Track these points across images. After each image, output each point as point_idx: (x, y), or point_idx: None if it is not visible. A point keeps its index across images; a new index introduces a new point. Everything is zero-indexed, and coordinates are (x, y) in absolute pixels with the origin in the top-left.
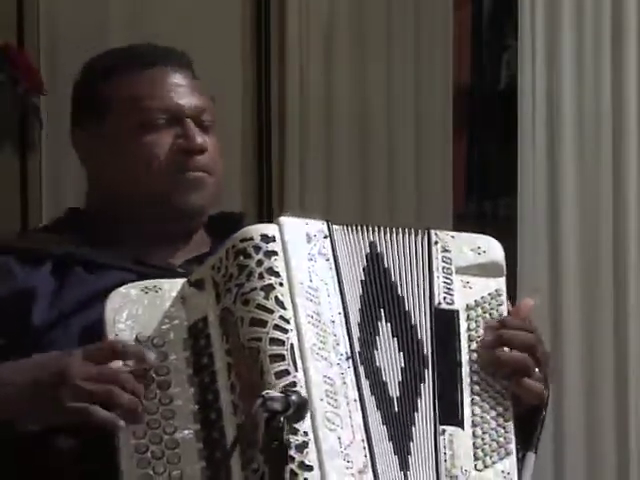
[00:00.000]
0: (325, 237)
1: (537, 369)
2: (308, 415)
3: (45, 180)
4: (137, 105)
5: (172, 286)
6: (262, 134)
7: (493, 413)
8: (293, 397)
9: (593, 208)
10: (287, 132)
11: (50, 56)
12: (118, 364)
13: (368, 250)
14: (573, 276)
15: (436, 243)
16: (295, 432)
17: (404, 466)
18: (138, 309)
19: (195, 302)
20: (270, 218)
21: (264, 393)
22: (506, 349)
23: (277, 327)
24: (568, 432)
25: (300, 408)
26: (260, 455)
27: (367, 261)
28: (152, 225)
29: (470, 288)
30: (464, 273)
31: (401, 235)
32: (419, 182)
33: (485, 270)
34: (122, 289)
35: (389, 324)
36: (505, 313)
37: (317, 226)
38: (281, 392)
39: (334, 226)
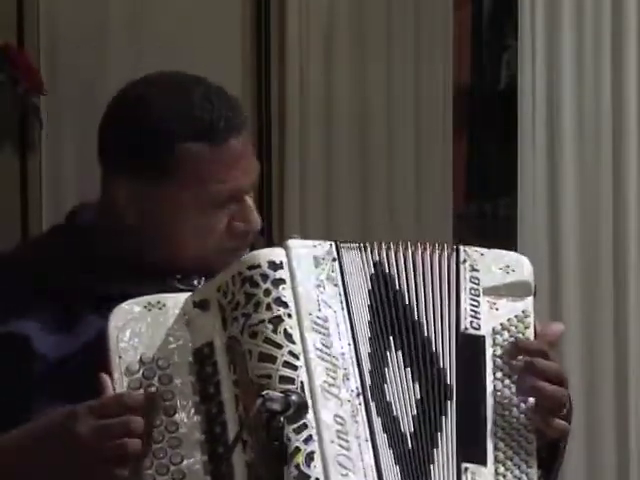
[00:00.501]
0: (334, 260)
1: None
2: (319, 460)
3: (45, 180)
4: (205, 185)
5: (175, 302)
6: (262, 134)
7: (516, 447)
8: (293, 397)
9: (593, 208)
10: (287, 132)
11: (50, 56)
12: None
13: (373, 271)
14: (573, 276)
15: (464, 261)
16: (307, 479)
17: None
18: (141, 327)
19: (200, 324)
20: (270, 218)
21: (264, 393)
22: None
23: (286, 364)
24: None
25: (300, 408)
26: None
27: (372, 284)
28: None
29: (497, 310)
30: (491, 294)
31: (424, 251)
32: (419, 182)
33: (513, 290)
34: (125, 305)
35: (400, 352)
36: (532, 337)
37: (325, 248)
38: (281, 392)
39: (342, 246)
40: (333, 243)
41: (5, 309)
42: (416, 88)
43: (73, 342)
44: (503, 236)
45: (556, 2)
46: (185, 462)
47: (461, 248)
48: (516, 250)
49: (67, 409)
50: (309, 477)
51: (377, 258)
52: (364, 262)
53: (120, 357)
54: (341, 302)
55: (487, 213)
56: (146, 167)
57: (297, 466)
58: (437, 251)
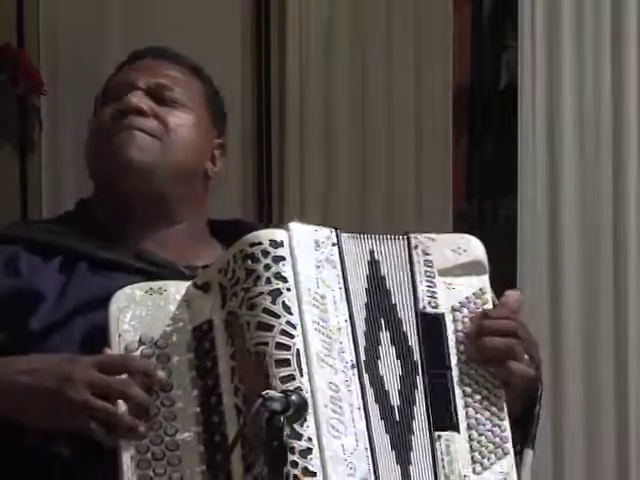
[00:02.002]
0: (333, 245)
1: (525, 354)
2: (312, 421)
3: (45, 180)
4: (106, 88)
5: (177, 288)
6: (262, 135)
7: (487, 413)
8: (293, 397)
9: (593, 208)
10: (287, 132)
11: (50, 56)
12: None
13: (369, 258)
14: (573, 276)
15: (416, 247)
16: (299, 438)
17: (405, 475)
18: (142, 310)
19: (200, 305)
20: (270, 216)
21: (264, 393)
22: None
23: (284, 332)
24: (568, 433)
25: (300, 408)
26: (261, 457)
27: (369, 269)
28: (132, 212)
29: (454, 289)
30: (446, 275)
31: (387, 241)
32: (419, 182)
33: (467, 269)
34: (127, 289)
35: (388, 332)
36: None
37: (325, 233)
38: (281, 392)
39: (342, 234)
40: (333, 229)
41: (24, 267)
42: (416, 88)
43: (74, 296)
44: (503, 236)
45: (556, 2)
46: (179, 434)
47: (412, 235)
48: (516, 250)
49: (70, 354)
50: (301, 435)
51: (371, 246)
52: (362, 249)
53: (120, 336)
54: (339, 283)
55: (487, 213)
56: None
57: (290, 425)
58: (391, 240)
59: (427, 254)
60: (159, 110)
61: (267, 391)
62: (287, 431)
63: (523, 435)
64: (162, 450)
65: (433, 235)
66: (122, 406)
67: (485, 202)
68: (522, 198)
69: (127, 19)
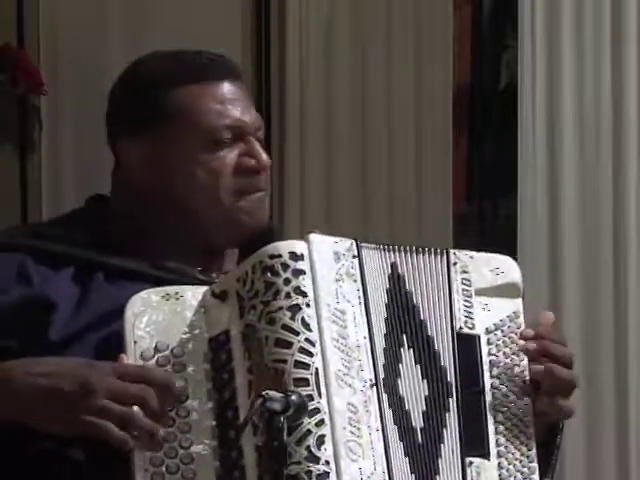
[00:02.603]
0: (354, 257)
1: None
2: (330, 444)
3: (45, 180)
4: (204, 121)
5: (194, 294)
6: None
7: (517, 442)
8: (293, 397)
9: (593, 208)
10: (287, 132)
11: (50, 56)
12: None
13: (390, 271)
14: (573, 276)
15: (455, 264)
16: (317, 461)
17: None
18: (159, 315)
19: (217, 314)
20: (270, 215)
21: (264, 393)
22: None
23: (302, 350)
24: (568, 433)
25: (300, 408)
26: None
27: (390, 283)
28: (187, 239)
29: (489, 311)
30: (482, 295)
31: (420, 255)
32: (419, 182)
33: (503, 291)
34: (143, 294)
35: (412, 350)
36: None
37: (346, 245)
38: (281, 392)
39: (363, 245)
40: (354, 241)
41: (35, 276)
42: (416, 88)
43: (90, 308)
44: (503, 236)
45: (556, 2)
46: (194, 447)
47: (451, 251)
48: (516, 250)
49: (87, 359)
50: (319, 459)
51: (393, 259)
52: (383, 262)
53: (135, 342)
54: (359, 297)
55: (487, 213)
56: (146, 121)
57: (307, 448)
58: (430, 254)
59: (465, 272)
60: (268, 159)
61: (267, 391)
62: (304, 452)
63: (544, 466)
64: (176, 463)
65: (471, 253)
66: (139, 412)
67: (485, 202)
68: (522, 198)
69: (127, 19)
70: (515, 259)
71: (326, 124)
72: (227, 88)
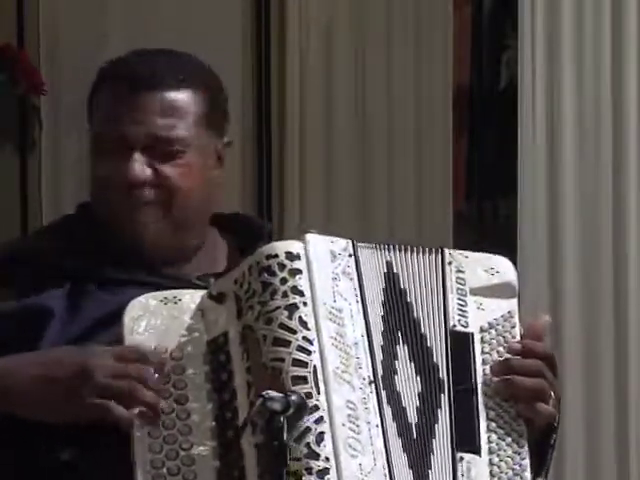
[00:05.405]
0: (350, 256)
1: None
2: (330, 440)
3: (45, 180)
4: (96, 128)
5: (192, 298)
6: (262, 134)
7: (509, 439)
8: (293, 397)
9: (593, 208)
10: (287, 131)
11: (50, 56)
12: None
13: (386, 270)
14: (573, 276)
15: (450, 263)
16: (317, 457)
17: None
18: (157, 320)
19: (215, 316)
20: (270, 215)
21: (264, 393)
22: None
23: (300, 348)
24: (568, 433)
25: (300, 408)
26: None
27: (385, 281)
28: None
29: (483, 310)
30: (477, 294)
31: (415, 254)
32: (419, 182)
33: (498, 291)
34: (141, 298)
35: (406, 347)
36: (518, 335)
37: (342, 244)
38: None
39: (358, 244)
40: (350, 240)
41: (31, 286)
42: (416, 88)
43: (85, 316)
44: (503, 236)
45: (556, 2)
46: (195, 448)
47: (446, 251)
48: (516, 250)
49: (80, 347)
50: (319, 455)
51: (389, 258)
52: (378, 261)
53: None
54: (356, 296)
55: (487, 213)
56: (89, 124)
57: (307, 445)
58: (424, 253)
59: (460, 271)
60: (161, 170)
61: (267, 391)
62: (304, 449)
63: (537, 464)
64: (177, 465)
65: (466, 252)
66: (140, 387)
67: (485, 202)
68: (522, 198)
69: (127, 19)
70: (515, 259)
71: (326, 124)
72: (132, 99)
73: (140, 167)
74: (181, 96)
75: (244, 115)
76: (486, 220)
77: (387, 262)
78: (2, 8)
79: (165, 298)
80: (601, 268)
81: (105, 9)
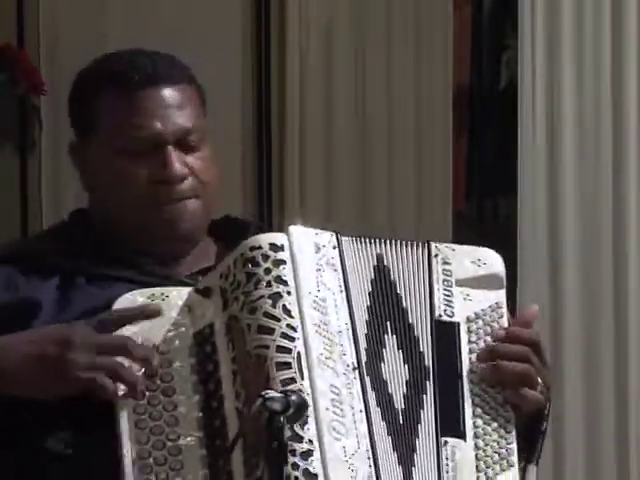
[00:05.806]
0: (334, 248)
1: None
2: (313, 423)
3: (45, 180)
4: (120, 131)
5: (179, 294)
6: (262, 134)
7: (495, 425)
8: (293, 397)
9: (593, 208)
10: (287, 131)
11: (50, 56)
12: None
13: (375, 262)
14: (573, 276)
15: (436, 256)
16: (300, 440)
17: (408, 477)
18: None
19: (202, 310)
20: (270, 215)
21: (264, 393)
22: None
23: (284, 335)
24: (568, 433)
25: (300, 408)
26: (262, 460)
27: (375, 273)
28: (145, 243)
29: (470, 300)
30: (464, 285)
31: (403, 247)
32: (419, 182)
33: (485, 282)
34: (129, 295)
35: (395, 336)
36: (505, 325)
37: (326, 237)
38: (281, 392)
39: (343, 237)
40: (334, 233)
41: (22, 281)
42: (416, 88)
43: (74, 308)
44: (503, 236)
45: (556, 2)
46: (182, 439)
47: (433, 244)
48: (516, 250)
49: (66, 324)
50: (302, 438)
51: (379, 251)
52: (367, 253)
53: None
54: (340, 286)
55: (487, 213)
56: (79, 122)
57: (291, 427)
58: (412, 247)
59: (447, 263)
60: (191, 163)
61: (267, 391)
62: (288, 432)
63: (528, 451)
64: (164, 455)
65: (453, 245)
66: (126, 362)
67: (485, 202)
68: (522, 198)
69: (127, 19)
70: (515, 259)
71: (326, 124)
72: (153, 96)
73: (178, 162)
74: (186, 88)
75: (244, 115)
76: (486, 220)
77: (377, 255)
78: (2, 8)
79: (152, 295)
80: (601, 268)
81: (105, 9)
